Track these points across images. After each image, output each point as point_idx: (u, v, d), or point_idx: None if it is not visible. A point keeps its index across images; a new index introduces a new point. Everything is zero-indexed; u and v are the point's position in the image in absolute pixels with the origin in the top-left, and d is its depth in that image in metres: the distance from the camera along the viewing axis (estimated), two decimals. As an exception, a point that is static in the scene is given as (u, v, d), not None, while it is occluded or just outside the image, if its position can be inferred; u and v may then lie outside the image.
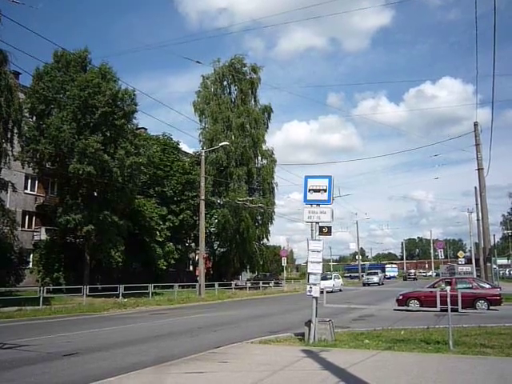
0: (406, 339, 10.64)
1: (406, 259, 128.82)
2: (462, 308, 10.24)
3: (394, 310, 18.97)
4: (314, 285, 10.64)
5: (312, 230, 11.93)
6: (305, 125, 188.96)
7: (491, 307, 18.64)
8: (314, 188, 10.86)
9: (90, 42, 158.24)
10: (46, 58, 35.57)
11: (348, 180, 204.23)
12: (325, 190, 10.82)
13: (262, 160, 52.32)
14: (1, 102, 22.62)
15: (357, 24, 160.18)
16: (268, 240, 55.45)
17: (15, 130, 25.27)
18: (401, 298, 19.99)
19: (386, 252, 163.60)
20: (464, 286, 19.87)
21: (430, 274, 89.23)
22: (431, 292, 17.33)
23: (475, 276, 30.72)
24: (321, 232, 11.01)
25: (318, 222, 10.98)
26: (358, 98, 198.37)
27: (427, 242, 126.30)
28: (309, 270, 10.83)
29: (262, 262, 54.04)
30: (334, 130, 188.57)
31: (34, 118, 31.17)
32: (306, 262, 11.33)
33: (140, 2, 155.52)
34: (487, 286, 21.22)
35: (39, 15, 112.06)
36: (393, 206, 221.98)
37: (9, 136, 24.81)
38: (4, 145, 24.67)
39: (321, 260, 10.84)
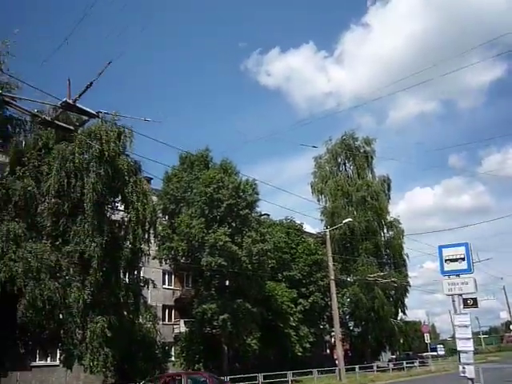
0: None
1: None
2: None
3: None
4: (467, 364, 9.68)
5: (453, 302, 11.04)
6: (429, 190, 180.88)
7: None
8: (451, 258, 10.24)
9: (208, 140, 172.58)
10: (170, 161, 38.87)
11: (485, 242, 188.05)
12: (463, 259, 10.15)
13: (388, 231, 50.80)
14: (138, 207, 24.81)
15: (469, 81, 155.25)
16: (406, 315, 52.41)
17: (151, 231, 27.37)
18: None
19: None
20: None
21: None
22: None
23: None
24: (465, 305, 10.19)
25: (460, 294, 10.19)
26: (481, 155, 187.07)
27: None
28: (458, 348, 9.95)
29: (402, 340, 50.63)
30: (460, 192, 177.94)
31: (167, 217, 33.66)
32: (452, 337, 10.46)
33: (251, 99, 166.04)
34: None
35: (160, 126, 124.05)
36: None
37: (146, 237, 26.92)
38: (143, 245, 26.78)
39: (470, 335, 9.93)
